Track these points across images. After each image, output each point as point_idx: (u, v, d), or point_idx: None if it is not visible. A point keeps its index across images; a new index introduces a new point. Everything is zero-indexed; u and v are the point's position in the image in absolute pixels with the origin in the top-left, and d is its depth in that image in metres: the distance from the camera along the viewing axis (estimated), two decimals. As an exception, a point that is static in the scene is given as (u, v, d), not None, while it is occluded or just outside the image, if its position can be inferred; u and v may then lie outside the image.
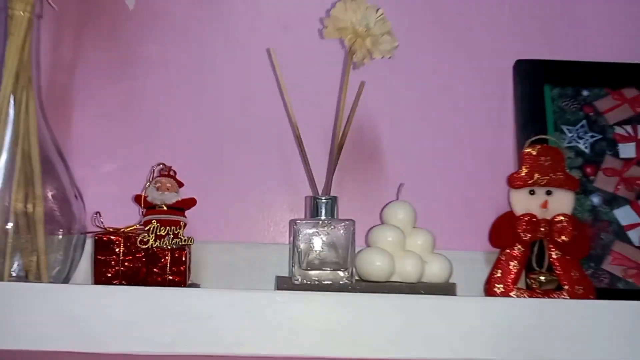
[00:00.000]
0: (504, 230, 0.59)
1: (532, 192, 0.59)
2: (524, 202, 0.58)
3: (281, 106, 0.61)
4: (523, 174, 0.59)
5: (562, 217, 0.57)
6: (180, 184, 0.52)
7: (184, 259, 0.50)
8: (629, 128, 0.64)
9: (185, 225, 0.51)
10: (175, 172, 0.53)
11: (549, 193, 0.58)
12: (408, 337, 0.46)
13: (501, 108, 0.66)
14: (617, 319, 0.49)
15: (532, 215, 0.57)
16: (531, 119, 0.64)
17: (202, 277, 0.59)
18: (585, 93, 0.65)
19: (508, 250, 0.58)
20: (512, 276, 0.58)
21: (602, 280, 0.59)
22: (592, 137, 0.64)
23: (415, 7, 0.67)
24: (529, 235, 0.57)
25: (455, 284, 0.52)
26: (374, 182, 0.63)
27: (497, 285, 0.58)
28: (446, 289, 0.50)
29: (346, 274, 0.49)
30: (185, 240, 0.50)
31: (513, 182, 0.59)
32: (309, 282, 0.48)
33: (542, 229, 0.57)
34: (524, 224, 0.57)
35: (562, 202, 0.58)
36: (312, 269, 0.50)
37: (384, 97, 0.66)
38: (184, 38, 0.65)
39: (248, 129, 0.64)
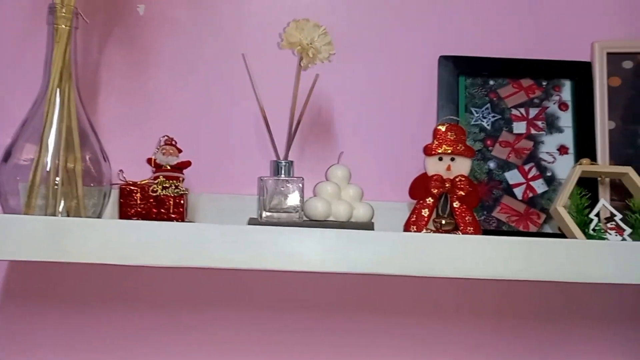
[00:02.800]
0: (419, 186, 0.75)
1: (440, 159, 0.76)
2: (434, 166, 0.75)
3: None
4: (434, 145, 0.76)
5: (461, 177, 0.74)
6: (180, 150, 0.70)
7: (182, 202, 0.68)
8: (522, 110, 0.81)
9: (183, 179, 0.69)
10: (176, 142, 0.70)
11: (452, 159, 0.76)
12: (338, 256, 0.64)
13: (428, 94, 0.83)
14: (494, 249, 0.67)
15: (439, 176, 0.75)
16: (448, 103, 0.81)
17: (198, 219, 0.78)
18: (491, 82, 0.82)
19: (422, 201, 0.76)
20: (424, 220, 0.76)
21: (492, 224, 0.78)
22: (494, 117, 0.81)
23: (365, 13, 0.84)
24: (437, 190, 0.75)
25: (374, 223, 0.70)
26: (327, 151, 0.82)
27: (412, 226, 0.76)
28: (366, 225, 0.69)
29: (297, 215, 0.68)
30: (183, 190, 0.68)
31: (426, 151, 0.76)
32: (271, 220, 0.67)
33: (447, 186, 0.75)
34: (433, 181, 0.75)
35: (462, 166, 0.75)
36: (274, 212, 0.68)
37: (339, 86, 0.83)
38: (184, 40, 0.83)
39: (233, 111, 0.82)
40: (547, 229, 0.77)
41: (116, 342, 0.80)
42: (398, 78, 0.83)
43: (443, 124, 0.77)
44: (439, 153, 0.76)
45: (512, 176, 0.79)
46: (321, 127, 0.83)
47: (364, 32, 0.84)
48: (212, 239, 0.62)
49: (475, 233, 0.74)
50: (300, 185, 0.69)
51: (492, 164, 0.80)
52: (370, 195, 0.77)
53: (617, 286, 0.80)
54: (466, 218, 0.75)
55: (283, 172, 0.70)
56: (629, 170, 0.75)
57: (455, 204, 0.76)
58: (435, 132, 0.77)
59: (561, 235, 0.74)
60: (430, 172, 0.76)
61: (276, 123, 0.73)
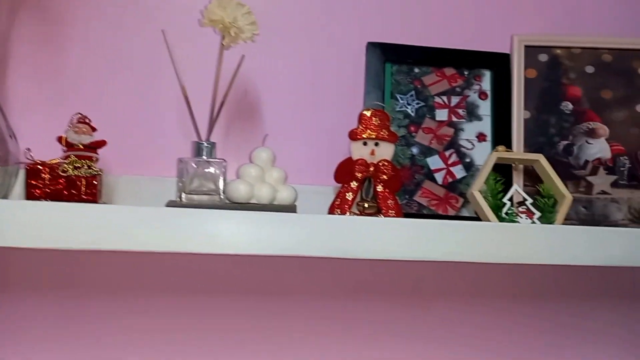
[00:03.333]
0: (344, 170, 0.76)
1: (365, 143, 0.77)
2: (358, 150, 0.76)
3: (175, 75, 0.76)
4: (359, 130, 0.77)
5: (384, 162, 0.76)
6: (94, 129, 0.67)
7: (95, 183, 0.65)
8: (445, 98, 0.83)
9: (97, 159, 0.66)
10: (90, 120, 0.67)
11: (376, 144, 0.77)
12: (259, 238, 0.63)
13: (355, 80, 0.84)
14: (412, 231, 0.69)
15: (363, 160, 0.76)
16: (375, 89, 0.82)
17: (116, 201, 0.75)
18: (416, 70, 0.83)
19: (346, 185, 0.77)
20: (348, 203, 0.77)
21: (413, 208, 0.80)
22: (418, 104, 0.83)
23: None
24: (361, 174, 0.76)
25: (296, 206, 0.70)
26: (252, 133, 0.80)
27: (336, 209, 0.77)
28: (289, 208, 0.69)
29: (218, 197, 0.67)
30: (96, 170, 0.65)
31: (351, 135, 0.76)
32: (191, 203, 0.65)
33: (370, 170, 0.76)
34: (358, 165, 0.75)
35: (385, 151, 0.76)
36: (194, 194, 0.66)
37: (266, 69, 0.82)
38: (102, 14, 0.78)
39: (154, 90, 0.79)
40: (465, 212, 0.80)
41: (34, 330, 0.76)
42: (326, 63, 0.83)
43: (368, 110, 0.78)
44: (363, 138, 0.77)
45: (434, 162, 0.82)
46: (247, 109, 0.81)
47: (293, 16, 0.83)
48: (126, 222, 0.59)
49: (396, 216, 0.76)
50: (223, 167, 0.67)
51: (415, 150, 0.82)
52: (295, 179, 0.77)
53: (527, 266, 0.84)
54: (388, 202, 0.77)
55: (205, 153, 0.69)
56: (540, 157, 0.79)
57: (379, 188, 0.77)
58: (361, 117, 0.78)
59: (477, 218, 0.78)
60: (355, 157, 0.77)
61: (199, 103, 0.71)
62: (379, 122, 0.77)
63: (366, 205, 0.76)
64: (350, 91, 0.83)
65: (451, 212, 0.80)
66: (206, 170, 0.67)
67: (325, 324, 0.84)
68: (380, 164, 0.76)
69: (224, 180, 0.67)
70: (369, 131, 0.77)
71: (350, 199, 0.77)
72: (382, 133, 0.77)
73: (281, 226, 0.64)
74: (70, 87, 0.77)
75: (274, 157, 0.72)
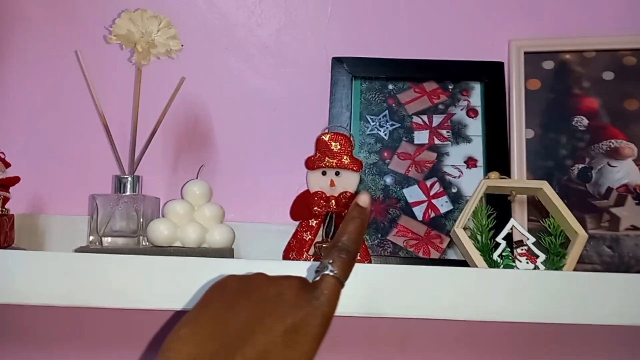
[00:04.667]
0: (300, 205, 0.65)
1: (324, 173, 0.65)
2: (316, 181, 0.65)
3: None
4: (316, 157, 0.65)
5: (346, 195, 0.63)
6: (7, 165, 0.60)
7: (3, 226, 0.57)
8: (425, 117, 0.70)
9: (7, 199, 0.58)
10: (4, 154, 0.60)
11: (337, 174, 0.65)
12: (181, 291, 0.53)
13: (320, 100, 0.73)
14: (375, 277, 0.56)
15: (322, 193, 0.64)
16: (341, 110, 0.71)
17: (31, 244, 0.66)
18: (390, 87, 0.71)
19: (304, 223, 0.65)
20: (306, 245, 0.64)
21: (387, 249, 0.66)
22: (392, 125, 0.70)
23: (250, 11, 0.74)
24: (319, 210, 0.64)
25: (233, 249, 0.59)
26: (197, 165, 0.71)
27: (291, 252, 0.64)
28: (221, 252, 0.57)
29: (135, 240, 0.57)
30: (3, 211, 0.57)
31: (308, 164, 0.65)
32: (101, 247, 0.56)
33: (331, 204, 0.64)
34: (316, 199, 0.64)
35: (348, 182, 0.64)
36: (108, 236, 0.57)
37: (215, 89, 0.72)
38: (13, 32, 0.72)
39: (71, 118, 0.71)
40: (452, 254, 0.65)
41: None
42: (286, 83, 0.72)
43: (326, 134, 0.66)
44: (321, 167, 0.65)
45: (412, 193, 0.68)
46: (198, 138, 0.72)
47: (249, 32, 0.74)
48: (23, 269, 0.51)
49: (362, 260, 0.63)
50: (147, 204, 0.58)
51: (388, 179, 0.68)
52: (249, 216, 0.66)
53: (525, 325, 0.67)
54: None
55: (128, 189, 0.60)
56: (544, 184, 0.63)
57: None
58: (318, 142, 0.66)
59: (466, 263, 0.63)
60: (313, 189, 0.65)
61: (118, 130, 0.62)
62: (339, 147, 0.65)
63: (325, 246, 0.63)
64: (313, 114, 0.71)
65: (434, 255, 0.65)
66: (124, 208, 0.58)
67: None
68: (342, 197, 0.64)
69: (144, 219, 0.57)
70: (327, 158, 0.65)
71: (307, 239, 0.64)
72: (343, 160, 0.65)
73: (207, 274, 0.53)
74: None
75: (210, 191, 0.61)
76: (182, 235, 0.57)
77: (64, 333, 0.68)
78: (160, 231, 0.56)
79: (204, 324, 0.34)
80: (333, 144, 0.65)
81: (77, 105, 0.70)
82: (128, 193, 0.58)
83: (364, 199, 0.41)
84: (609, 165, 0.67)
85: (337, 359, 0.70)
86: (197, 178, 0.61)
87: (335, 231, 0.66)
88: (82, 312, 0.66)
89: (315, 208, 0.63)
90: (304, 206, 0.65)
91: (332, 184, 0.64)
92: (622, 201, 0.65)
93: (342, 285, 0.38)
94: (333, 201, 0.64)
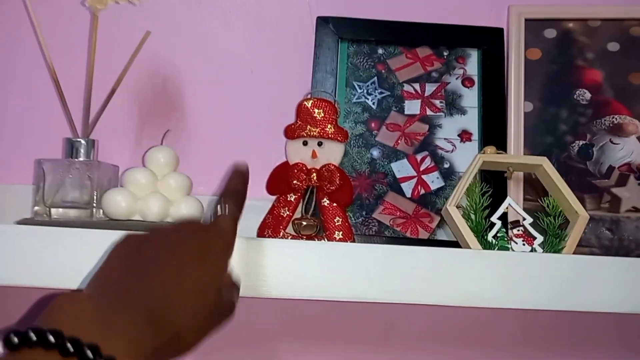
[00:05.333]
0: (278, 178, 0.59)
1: (305, 143, 0.59)
2: (297, 152, 0.58)
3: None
4: (297, 126, 0.59)
5: (329, 167, 0.58)
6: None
7: None
8: (417, 86, 0.64)
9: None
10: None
11: (320, 144, 0.59)
12: None
13: (302, 64, 0.66)
14: (361, 258, 0.50)
15: (302, 165, 0.58)
16: (326, 75, 0.64)
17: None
18: (379, 51, 0.65)
19: (281, 198, 0.59)
20: (283, 221, 0.58)
21: (371, 228, 0.60)
22: (381, 93, 0.64)
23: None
24: (299, 183, 0.58)
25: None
26: (161, 130, 0.64)
27: (267, 229, 0.59)
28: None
29: (90, 212, 0.50)
30: None
31: (287, 133, 0.59)
32: (49, 219, 0.49)
33: (313, 178, 0.58)
34: (296, 172, 0.57)
35: (331, 153, 0.58)
36: (57, 207, 0.50)
37: (186, 48, 0.65)
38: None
39: (12, 74, 0.62)
40: (442, 235, 0.60)
41: None
42: (266, 45, 0.65)
43: (308, 99, 0.59)
44: (302, 136, 0.59)
45: (401, 167, 0.62)
46: (158, 100, 0.64)
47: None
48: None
49: (345, 239, 0.57)
50: (102, 172, 0.51)
51: (375, 152, 0.62)
52: (215, 189, 0.60)
53: (522, 311, 0.63)
54: (335, 220, 0.58)
55: (82, 154, 0.53)
56: (544, 161, 0.58)
57: (324, 202, 0.58)
58: (299, 109, 0.59)
59: (457, 244, 0.58)
60: (293, 160, 0.59)
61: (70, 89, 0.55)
62: (323, 115, 0.59)
63: (304, 223, 0.57)
64: (295, 79, 0.65)
65: (423, 235, 0.60)
66: (76, 175, 0.51)
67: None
68: (325, 169, 0.58)
69: (99, 189, 0.51)
70: (309, 127, 0.59)
71: (285, 215, 0.58)
72: (327, 129, 0.59)
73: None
74: None
75: (176, 159, 0.54)
76: (143, 208, 0.50)
77: (7, 317, 0.61)
78: (117, 202, 0.50)
79: (110, 273, 0.34)
80: (316, 110, 0.59)
81: (23, 56, 0.61)
82: (81, 159, 0.51)
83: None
84: (612, 142, 0.62)
85: (316, 347, 0.65)
86: (161, 144, 0.55)
87: (316, 207, 0.60)
88: (25, 293, 0.59)
89: (295, 182, 0.57)
90: (282, 179, 0.58)
91: (313, 155, 0.58)
92: (624, 181, 0.61)
93: (237, 218, 0.40)
94: (315, 174, 0.58)
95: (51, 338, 0.26)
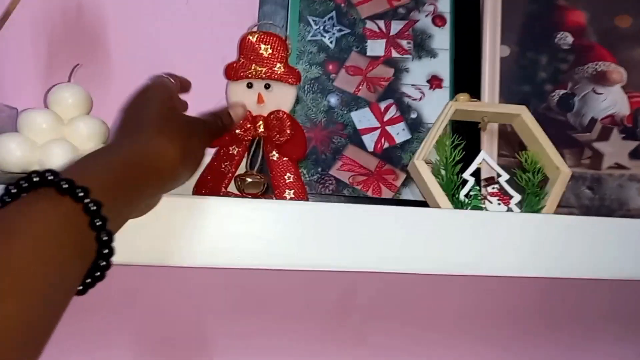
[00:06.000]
0: None
1: (249, 85, 0.50)
2: (240, 96, 0.49)
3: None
4: (239, 64, 0.49)
5: (278, 114, 0.49)
6: None
7: None
8: (381, 23, 0.56)
9: None
10: None
11: (267, 87, 0.50)
12: None
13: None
14: (311, 218, 0.42)
15: (247, 111, 0.49)
16: (275, 8, 0.55)
17: None
18: (339, -19, 0.56)
19: (222, 150, 0.50)
20: (225, 178, 0.50)
21: (328, 187, 0.53)
22: (340, 30, 0.55)
23: None
24: (242, 133, 0.49)
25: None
26: (86, 66, 0.53)
27: (204, 187, 0.50)
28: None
29: (-29, 162, 0.40)
30: None
31: (228, 73, 0.49)
32: None
33: (258, 127, 0.49)
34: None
35: (281, 98, 0.49)
36: None
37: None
38: None
39: None
40: (407, 194, 0.53)
41: None
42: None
43: (253, 33, 0.50)
44: (246, 77, 0.50)
45: (362, 117, 0.54)
46: (70, 30, 0.53)
47: None
48: None
49: (296, 197, 0.49)
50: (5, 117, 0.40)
51: (333, 99, 0.54)
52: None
53: (498, 279, 0.57)
54: (285, 176, 0.50)
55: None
56: (522, 110, 0.52)
57: (273, 156, 0.50)
58: (243, 44, 0.50)
59: (424, 204, 0.51)
60: None
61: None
62: (270, 52, 0.50)
63: (248, 180, 0.49)
64: (238, 11, 0.55)
65: (387, 194, 0.53)
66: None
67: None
68: (273, 117, 0.49)
69: (-13, 134, 0.40)
70: (254, 66, 0.49)
71: (227, 171, 0.50)
72: (275, 69, 0.50)
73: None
74: None
75: (89, 100, 0.44)
76: (44, 159, 0.40)
77: None
78: (10, 151, 0.39)
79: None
80: (262, 46, 0.49)
81: None
82: (-38, 97, 0.41)
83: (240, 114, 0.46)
84: (594, 92, 0.56)
85: (267, 321, 0.58)
86: (69, 81, 0.44)
87: (263, 162, 0.52)
88: None
89: (238, 131, 0.49)
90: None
91: (260, 99, 0.49)
92: (606, 135, 0.55)
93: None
94: (261, 122, 0.49)
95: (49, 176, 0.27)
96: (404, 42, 0.55)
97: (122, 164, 0.32)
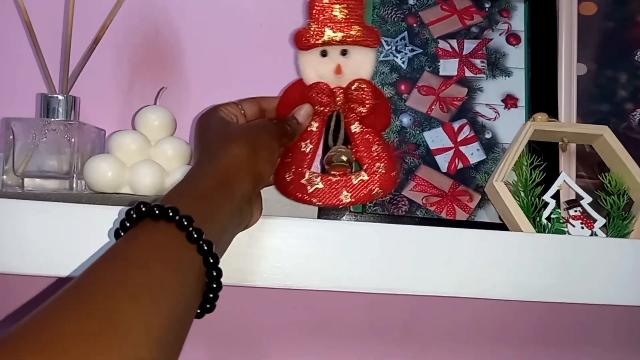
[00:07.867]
0: (291, 103, 0.44)
1: (324, 54, 0.45)
2: (314, 68, 0.44)
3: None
4: (312, 32, 0.44)
5: (358, 84, 0.44)
6: None
7: None
8: (454, 43, 0.55)
9: None
10: None
11: (344, 53, 0.44)
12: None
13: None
14: (384, 240, 0.42)
15: (324, 85, 0.44)
16: (348, 28, 0.55)
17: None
18: (411, 1, 0.56)
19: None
20: (306, 158, 0.44)
21: (401, 208, 0.52)
22: (412, 50, 0.55)
23: None
24: (322, 107, 0.44)
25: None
26: (154, 85, 0.55)
27: (287, 172, 0.44)
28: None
29: (68, 183, 0.42)
30: None
31: (299, 41, 0.44)
32: (21, 191, 0.40)
33: (338, 100, 0.44)
34: (313, 95, 0.44)
35: (359, 64, 0.44)
36: (30, 177, 0.42)
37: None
38: None
39: None
40: (483, 216, 0.52)
41: None
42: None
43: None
44: (320, 44, 0.44)
45: (435, 137, 0.53)
46: (151, 53, 0.55)
47: None
48: None
49: (388, 172, 0.43)
50: (85, 135, 0.42)
51: (405, 119, 0.54)
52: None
53: (581, 306, 0.55)
54: (372, 148, 0.44)
55: (60, 113, 0.44)
56: (604, 130, 0.50)
57: (354, 128, 0.45)
58: (313, 6, 0.44)
59: (502, 226, 0.50)
60: (310, 79, 0.45)
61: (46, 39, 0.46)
62: (346, 13, 0.44)
63: (333, 158, 0.43)
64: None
65: (461, 216, 0.52)
66: (53, 139, 0.42)
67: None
68: (354, 87, 0.44)
69: (79, 155, 0.42)
70: (328, 31, 0.44)
71: (308, 150, 0.44)
72: (352, 33, 0.44)
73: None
74: None
75: (173, 122, 0.46)
76: (133, 179, 0.42)
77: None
78: (102, 172, 0.41)
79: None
80: (336, 7, 0.43)
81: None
82: (59, 118, 0.43)
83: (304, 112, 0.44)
84: (679, 111, 0.54)
85: (329, 343, 0.57)
86: (155, 104, 0.46)
87: (346, 136, 0.44)
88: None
89: (317, 106, 0.44)
90: (297, 104, 0.44)
91: (338, 70, 0.44)
92: (694, 156, 0.53)
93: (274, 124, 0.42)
94: (341, 95, 0.44)
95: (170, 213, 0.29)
96: (477, 61, 0.54)
97: (213, 190, 0.33)
